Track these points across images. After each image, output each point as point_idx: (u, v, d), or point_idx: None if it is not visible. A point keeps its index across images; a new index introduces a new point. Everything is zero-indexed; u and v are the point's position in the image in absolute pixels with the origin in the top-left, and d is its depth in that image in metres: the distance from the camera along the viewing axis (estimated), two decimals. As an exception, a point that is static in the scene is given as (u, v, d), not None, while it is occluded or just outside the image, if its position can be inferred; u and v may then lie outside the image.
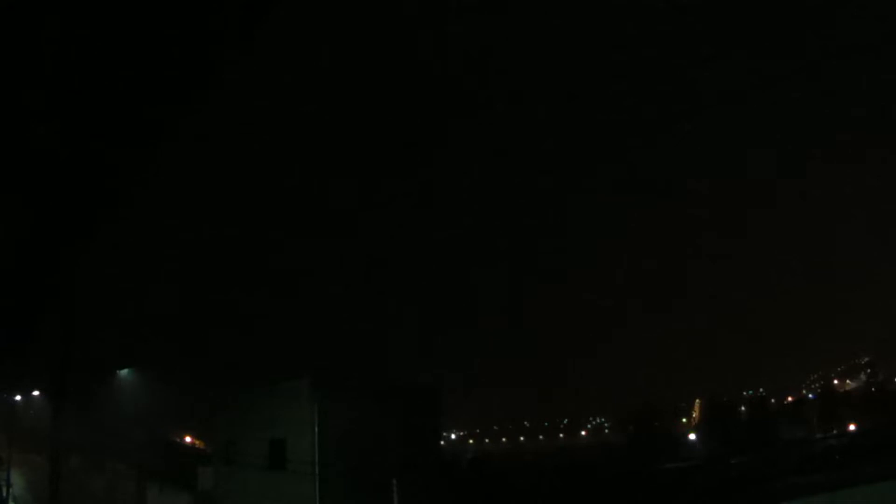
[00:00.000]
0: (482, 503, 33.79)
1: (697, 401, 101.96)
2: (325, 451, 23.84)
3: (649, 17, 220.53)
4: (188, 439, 57.94)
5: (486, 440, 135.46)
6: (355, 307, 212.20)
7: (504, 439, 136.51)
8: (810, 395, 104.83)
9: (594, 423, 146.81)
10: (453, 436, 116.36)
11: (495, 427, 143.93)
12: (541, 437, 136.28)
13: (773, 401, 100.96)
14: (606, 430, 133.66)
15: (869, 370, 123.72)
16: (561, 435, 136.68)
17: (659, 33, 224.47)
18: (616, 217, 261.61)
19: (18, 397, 40.46)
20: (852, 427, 61.57)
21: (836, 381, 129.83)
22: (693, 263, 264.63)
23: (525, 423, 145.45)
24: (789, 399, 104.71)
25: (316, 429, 23.99)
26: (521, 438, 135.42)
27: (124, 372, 48.85)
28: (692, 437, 75.51)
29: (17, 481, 35.04)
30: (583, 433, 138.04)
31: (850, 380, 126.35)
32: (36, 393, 40.89)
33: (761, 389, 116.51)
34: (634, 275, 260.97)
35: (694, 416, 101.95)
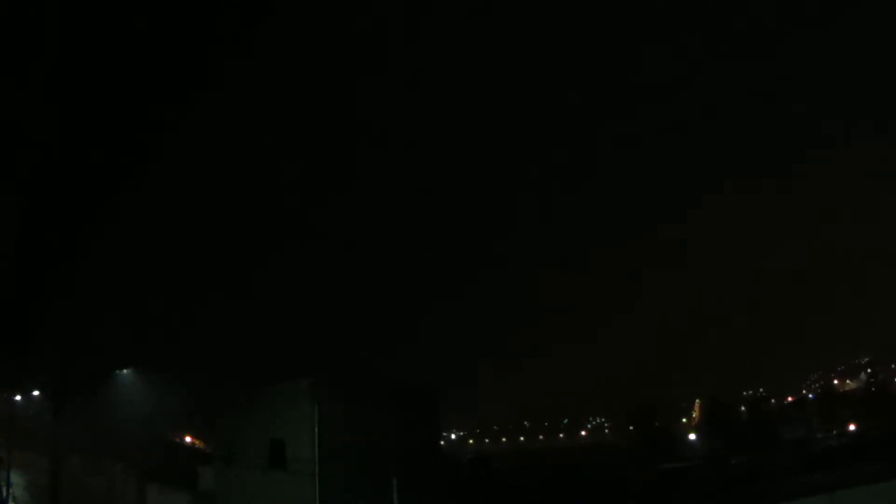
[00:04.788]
0: (482, 503, 33.80)
1: (697, 401, 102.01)
2: (325, 452, 23.82)
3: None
4: (188, 439, 57.95)
5: (486, 440, 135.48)
6: (355, 307, 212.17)
7: (504, 439, 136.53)
8: (810, 395, 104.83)
9: (594, 423, 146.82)
10: (453, 436, 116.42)
11: (495, 427, 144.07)
12: (541, 437, 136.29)
13: (773, 401, 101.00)
14: (606, 430, 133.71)
15: (869, 370, 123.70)
16: (561, 435, 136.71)
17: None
18: (615, 217, 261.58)
19: (18, 397, 40.43)
20: (852, 427, 61.55)
21: (836, 381, 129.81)
22: (693, 263, 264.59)
23: (525, 423, 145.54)
24: (789, 399, 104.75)
25: (316, 429, 23.97)
26: (521, 438, 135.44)
27: (124, 372, 48.90)
28: (692, 437, 75.52)
29: (17, 481, 34.99)
30: (583, 433, 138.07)
31: (850, 380, 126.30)
32: (36, 393, 40.88)
33: (761, 389, 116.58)
34: (634, 274, 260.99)
35: (694, 416, 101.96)
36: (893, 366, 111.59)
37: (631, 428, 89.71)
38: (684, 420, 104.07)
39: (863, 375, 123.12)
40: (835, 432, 58.62)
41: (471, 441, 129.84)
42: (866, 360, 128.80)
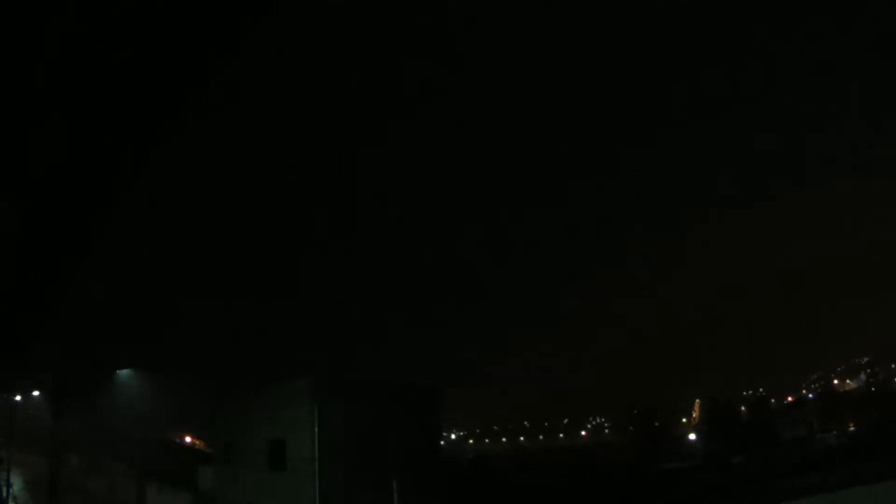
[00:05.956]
0: (482, 503, 33.79)
1: (697, 401, 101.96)
2: (325, 452, 23.81)
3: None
4: (188, 439, 57.93)
5: (486, 440, 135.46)
6: (356, 308, 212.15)
7: (504, 439, 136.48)
8: (810, 395, 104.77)
9: (594, 423, 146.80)
10: (453, 436, 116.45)
11: (495, 427, 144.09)
12: (541, 437, 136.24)
13: (773, 401, 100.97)
14: (606, 430, 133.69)
15: (869, 370, 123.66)
16: (561, 435, 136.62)
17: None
18: (615, 217, 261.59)
19: (18, 397, 40.45)
20: (852, 427, 61.54)
21: (836, 381, 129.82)
22: (693, 263, 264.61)
23: (525, 423, 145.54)
24: (789, 399, 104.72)
25: (316, 429, 23.95)
26: (521, 438, 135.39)
27: (124, 372, 48.93)
28: (692, 437, 75.47)
29: (17, 481, 34.99)
30: (583, 433, 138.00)
31: (850, 380, 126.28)
32: (36, 393, 40.88)
33: (761, 389, 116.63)
34: (634, 275, 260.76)
35: (694, 416, 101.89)
36: (893, 366, 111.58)
37: (631, 428, 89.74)
38: (684, 420, 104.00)
39: (863, 375, 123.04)
40: (834, 432, 58.56)
41: (471, 441, 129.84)
42: (866, 360, 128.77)
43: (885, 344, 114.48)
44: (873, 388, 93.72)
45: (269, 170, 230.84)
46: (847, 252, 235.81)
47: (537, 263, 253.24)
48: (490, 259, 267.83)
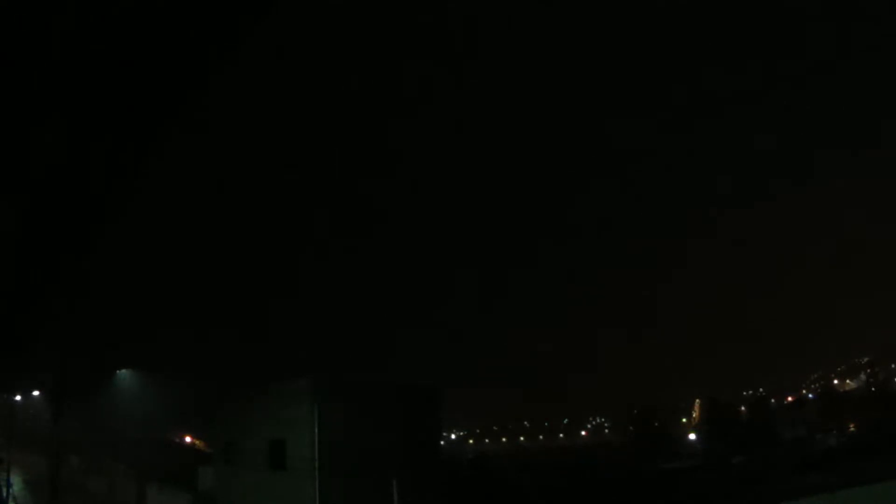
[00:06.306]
0: (482, 503, 33.78)
1: (697, 401, 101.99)
2: (325, 452, 23.80)
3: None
4: (188, 439, 57.91)
5: (486, 440, 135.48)
6: (356, 308, 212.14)
7: (504, 439, 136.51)
8: (810, 395, 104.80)
9: (594, 423, 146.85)
10: (453, 436, 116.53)
11: (495, 427, 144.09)
12: (541, 437, 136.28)
13: (773, 401, 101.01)
14: (606, 430, 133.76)
15: (869, 370, 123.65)
16: (561, 435, 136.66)
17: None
18: (615, 217, 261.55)
19: (18, 397, 40.45)
20: (852, 427, 61.54)
21: (836, 381, 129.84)
22: (693, 263, 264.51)
23: (525, 423, 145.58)
24: (789, 399, 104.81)
25: (316, 429, 23.94)
26: (521, 438, 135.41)
27: (124, 372, 48.96)
28: (692, 437, 75.50)
29: (17, 481, 34.97)
30: (583, 433, 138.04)
31: (850, 380, 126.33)
32: (36, 393, 40.89)
33: (761, 389, 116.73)
34: (634, 274, 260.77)
35: (694, 416, 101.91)
36: (893, 366, 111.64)
37: (631, 428, 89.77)
38: (684, 420, 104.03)
39: (863, 375, 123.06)
40: (834, 432, 58.59)
41: (471, 441, 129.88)
42: (866, 360, 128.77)
43: (885, 344, 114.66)
44: (873, 388, 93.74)
45: (269, 170, 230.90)
46: (847, 252, 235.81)
47: (537, 263, 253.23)
48: (490, 259, 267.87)
